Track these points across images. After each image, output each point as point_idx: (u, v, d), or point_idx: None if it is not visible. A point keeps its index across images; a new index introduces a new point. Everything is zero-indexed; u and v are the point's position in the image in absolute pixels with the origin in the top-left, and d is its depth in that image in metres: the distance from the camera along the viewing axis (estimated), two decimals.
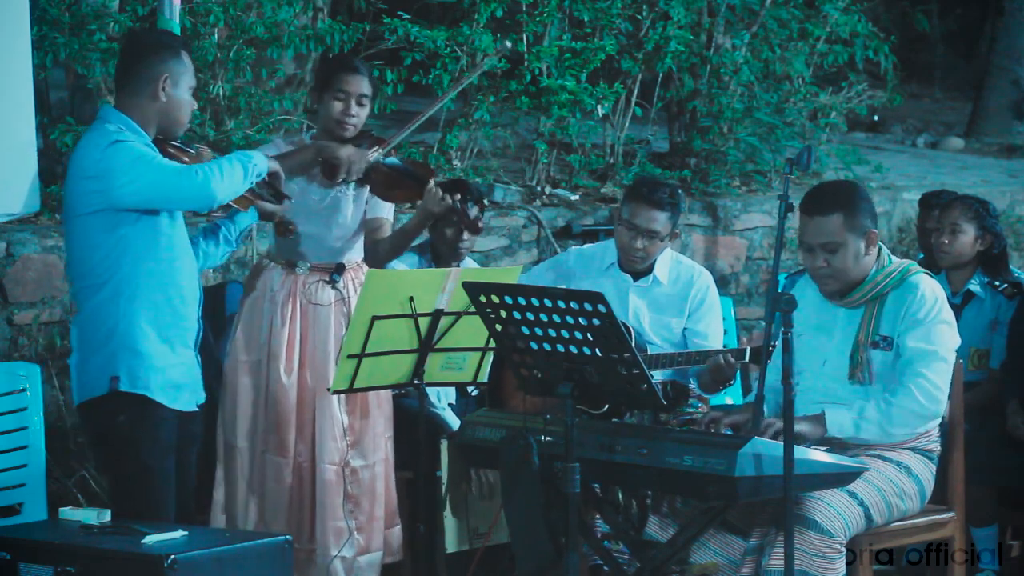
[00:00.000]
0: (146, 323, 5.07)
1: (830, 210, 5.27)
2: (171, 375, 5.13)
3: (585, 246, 6.76)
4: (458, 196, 5.88)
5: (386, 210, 5.96)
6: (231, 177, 5.05)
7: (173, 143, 5.20)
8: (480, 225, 6.20)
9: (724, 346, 6.33)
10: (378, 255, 5.97)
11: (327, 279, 5.82)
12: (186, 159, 5.16)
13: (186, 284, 5.17)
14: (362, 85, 5.80)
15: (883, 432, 5.22)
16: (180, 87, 5.13)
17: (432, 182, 5.82)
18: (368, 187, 5.83)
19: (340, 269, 5.84)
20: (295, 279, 5.81)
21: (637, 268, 6.25)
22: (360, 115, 5.80)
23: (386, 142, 5.84)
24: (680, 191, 6.38)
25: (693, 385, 6.19)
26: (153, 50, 5.14)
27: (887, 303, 5.32)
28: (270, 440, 5.78)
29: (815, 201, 5.33)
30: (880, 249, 5.37)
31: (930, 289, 5.31)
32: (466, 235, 6.41)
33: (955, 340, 5.34)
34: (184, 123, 5.19)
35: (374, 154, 5.76)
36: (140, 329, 5.07)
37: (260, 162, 5.20)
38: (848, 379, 5.31)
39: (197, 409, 5.27)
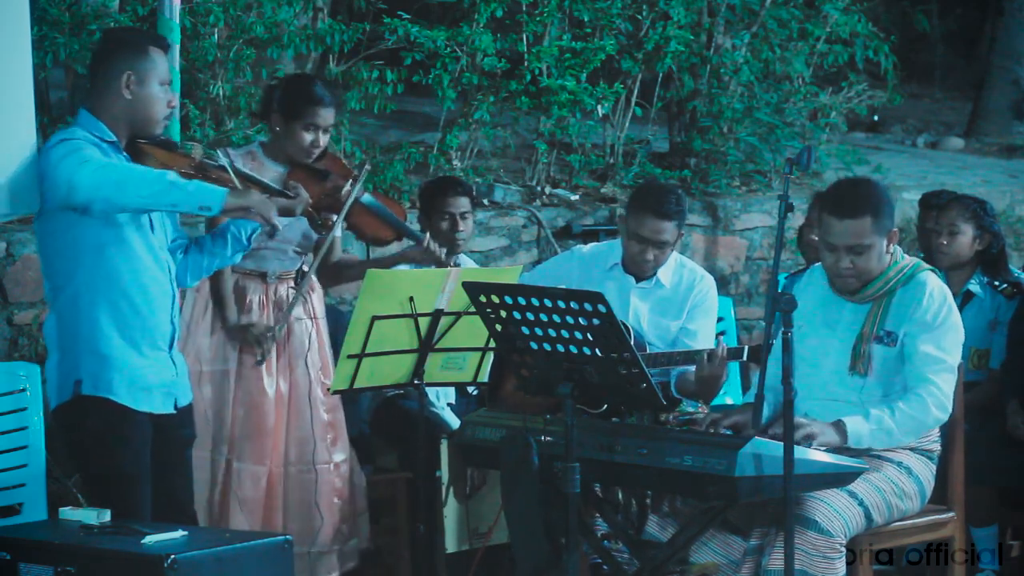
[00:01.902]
0: (109, 325, 5.01)
1: (860, 213, 5.25)
2: (138, 377, 5.05)
3: (588, 246, 6.76)
4: (444, 251, 5.94)
5: (337, 228, 5.91)
6: (136, 187, 4.87)
7: (155, 141, 5.13)
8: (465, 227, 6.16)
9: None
10: (332, 274, 6.09)
11: (292, 286, 5.88)
12: (175, 160, 5.10)
13: (151, 285, 5.08)
14: (331, 117, 5.80)
15: (895, 441, 5.23)
16: (147, 84, 5.05)
17: (431, 243, 5.86)
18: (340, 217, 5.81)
19: (301, 274, 5.89)
20: (265, 288, 5.84)
21: (645, 273, 6.25)
22: (325, 142, 5.79)
23: (355, 175, 5.76)
24: (682, 192, 6.37)
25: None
26: (115, 49, 5.09)
27: (894, 299, 5.33)
28: (245, 449, 5.77)
29: (844, 203, 5.29)
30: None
31: (938, 288, 5.32)
32: (462, 226, 6.46)
33: (961, 340, 5.35)
34: (157, 119, 5.10)
35: (347, 188, 5.68)
36: (102, 331, 5.00)
37: (208, 195, 4.94)
38: (848, 371, 5.32)
39: (175, 411, 5.19)
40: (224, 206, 4.94)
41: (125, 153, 5.07)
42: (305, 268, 5.90)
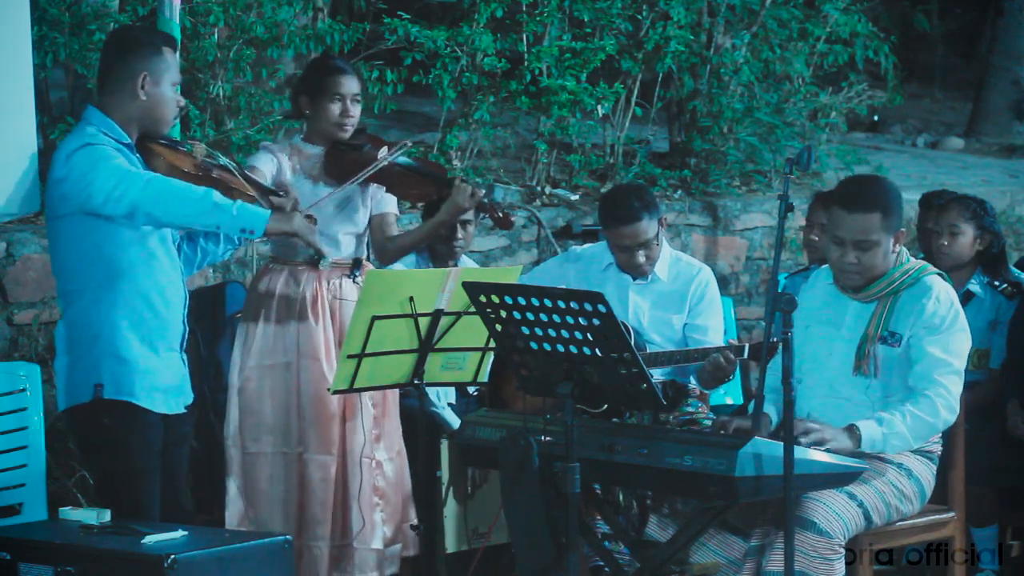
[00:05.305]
0: (128, 328, 5.03)
1: (870, 208, 5.25)
2: (156, 379, 5.09)
3: (584, 246, 6.76)
4: (483, 191, 5.88)
5: (391, 205, 5.99)
6: (182, 206, 4.91)
7: (161, 141, 5.15)
8: (512, 219, 6.12)
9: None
10: (390, 251, 5.97)
11: (347, 274, 5.86)
12: (180, 159, 5.11)
13: (168, 287, 5.11)
14: (355, 85, 5.88)
15: (907, 445, 5.22)
16: (161, 84, 5.07)
17: (459, 180, 5.84)
18: (377, 185, 5.85)
19: (358, 264, 5.90)
20: (318, 275, 5.84)
21: (643, 274, 6.25)
22: (356, 114, 5.88)
23: (391, 144, 5.85)
24: (643, 186, 6.37)
25: (693, 383, 6.18)
26: (131, 48, 5.08)
27: (900, 300, 5.31)
28: (311, 439, 5.79)
29: (855, 197, 5.31)
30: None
31: (945, 292, 5.31)
32: (460, 234, 6.45)
33: (968, 346, 5.34)
34: (168, 120, 5.13)
35: (383, 153, 5.77)
36: (122, 335, 5.03)
37: (251, 218, 4.98)
38: (853, 372, 5.32)
39: (184, 411, 5.25)
40: (267, 230, 5.03)
41: (138, 155, 5.07)
42: (360, 257, 5.90)
